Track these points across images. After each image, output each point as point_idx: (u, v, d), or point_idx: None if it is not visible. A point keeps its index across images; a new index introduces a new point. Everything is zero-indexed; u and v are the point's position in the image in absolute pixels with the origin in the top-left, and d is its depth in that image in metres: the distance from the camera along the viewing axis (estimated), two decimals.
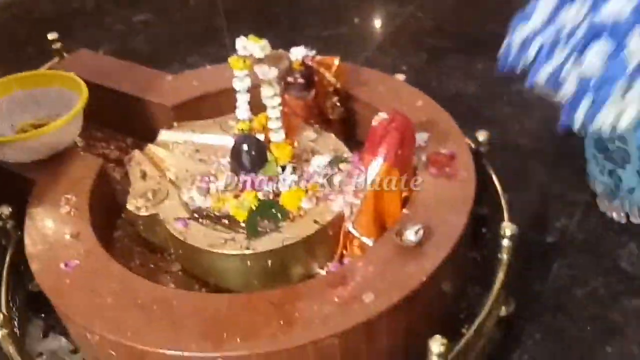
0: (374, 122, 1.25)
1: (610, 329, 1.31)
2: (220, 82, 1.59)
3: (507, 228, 1.24)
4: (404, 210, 1.24)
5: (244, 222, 1.28)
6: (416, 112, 1.44)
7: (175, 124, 1.56)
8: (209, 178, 1.38)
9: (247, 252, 1.23)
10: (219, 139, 1.50)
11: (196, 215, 1.32)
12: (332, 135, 1.48)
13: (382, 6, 2.60)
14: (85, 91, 1.44)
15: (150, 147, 1.49)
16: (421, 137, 1.37)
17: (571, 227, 1.54)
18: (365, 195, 1.24)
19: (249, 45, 1.26)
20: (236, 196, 1.32)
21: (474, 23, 2.31)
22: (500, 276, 1.23)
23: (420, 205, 1.25)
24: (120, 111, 1.64)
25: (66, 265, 1.19)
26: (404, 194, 1.27)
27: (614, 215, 1.55)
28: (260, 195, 1.31)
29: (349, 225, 1.28)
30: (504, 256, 1.25)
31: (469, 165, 1.32)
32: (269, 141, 1.37)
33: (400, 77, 1.62)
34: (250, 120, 1.38)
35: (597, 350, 1.28)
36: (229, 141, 1.45)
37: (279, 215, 1.29)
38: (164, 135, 1.53)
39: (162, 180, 1.41)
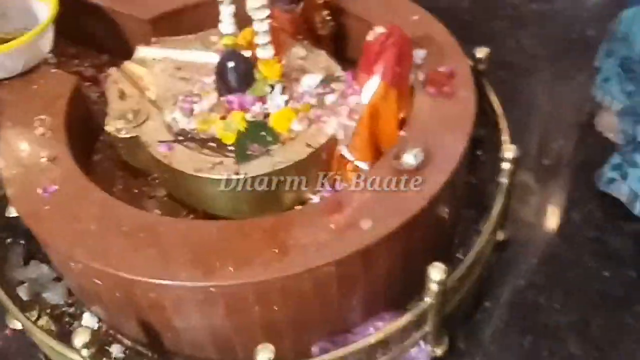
0: (369, 38, 1.17)
1: (607, 253, 1.29)
2: None
3: (508, 150, 1.19)
4: (401, 133, 1.18)
5: (232, 145, 1.21)
6: (412, 27, 1.35)
7: (153, 39, 1.45)
8: (192, 98, 1.30)
9: (236, 177, 1.16)
10: (201, 55, 1.40)
11: (181, 138, 1.24)
12: (323, 52, 1.39)
13: None
14: (55, 1, 1.33)
15: (128, 65, 1.40)
16: (418, 55, 1.29)
17: (568, 148, 1.49)
18: (361, 117, 1.18)
19: None
20: (222, 118, 1.24)
21: None
22: (500, 200, 1.19)
23: (418, 127, 1.18)
24: (94, 25, 1.53)
25: (44, 190, 1.11)
26: (401, 115, 1.20)
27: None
28: (248, 116, 1.23)
29: (342, 149, 1.22)
30: (504, 180, 1.21)
31: (468, 84, 1.25)
32: (256, 58, 1.28)
33: None
34: (236, 35, 1.28)
35: (593, 275, 1.27)
36: (212, 58, 1.36)
37: (269, 138, 1.22)
38: (141, 51, 1.43)
39: (142, 100, 1.32)
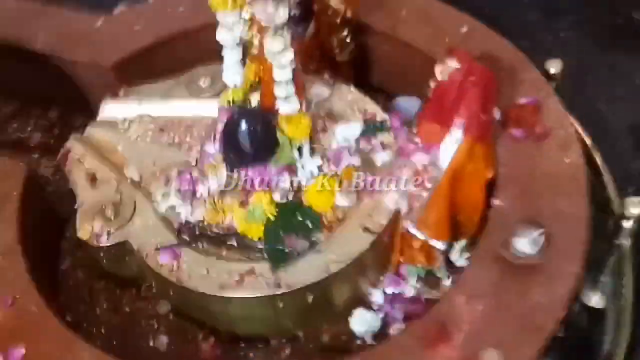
0: (439, 75, 0.84)
1: None
2: (174, 21, 1.13)
3: (633, 206, 0.88)
4: (495, 201, 0.86)
5: (260, 241, 0.87)
6: (463, 43, 1.03)
7: (122, 90, 1.08)
8: (191, 173, 0.95)
9: (278, 291, 0.83)
10: (191, 107, 1.05)
11: (186, 237, 0.89)
12: (351, 87, 1.05)
13: None
14: None
15: (92, 131, 1.03)
16: None
17: None
18: (439, 185, 0.85)
19: None
20: (241, 203, 0.89)
21: None
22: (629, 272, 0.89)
23: (515, 191, 0.87)
24: (37, 76, 1.15)
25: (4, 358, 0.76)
26: (489, 176, 0.88)
27: None
28: (276, 196, 0.89)
29: (408, 225, 0.90)
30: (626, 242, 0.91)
31: (561, 117, 0.94)
32: (275, 111, 0.93)
33: None
34: (245, 87, 0.94)
35: None
36: (208, 110, 1.02)
37: (309, 224, 0.88)
38: (107, 109, 1.06)
39: (122, 184, 0.97)
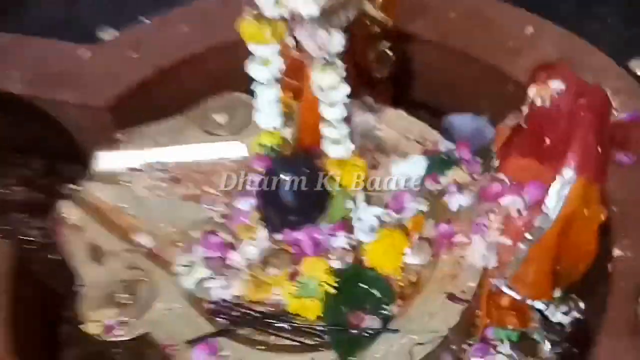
0: (540, 100, 0.66)
1: None
2: (177, 45, 0.94)
3: None
4: (617, 252, 0.68)
5: (319, 321, 0.69)
6: (532, 48, 0.85)
7: (119, 134, 0.89)
8: (220, 236, 0.76)
9: None
10: (206, 150, 0.86)
11: (223, 319, 0.71)
12: (402, 111, 0.87)
13: None
14: None
15: (89, 188, 0.84)
16: None
17: None
18: (545, 237, 0.67)
19: None
20: (290, 274, 0.71)
21: None
22: None
23: (632, 232, 0.69)
24: (16, 122, 0.96)
25: None
26: (602, 218, 0.70)
27: None
28: (334, 262, 0.71)
29: (499, 283, 0.72)
30: None
31: None
32: (319, 154, 0.75)
33: None
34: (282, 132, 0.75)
35: None
36: (227, 152, 0.83)
37: (377, 293, 0.70)
38: (105, 158, 0.87)
39: (134, 255, 0.77)
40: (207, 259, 0.74)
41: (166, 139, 0.87)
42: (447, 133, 0.88)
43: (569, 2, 1.23)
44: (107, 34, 1.02)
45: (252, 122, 0.84)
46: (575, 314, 0.75)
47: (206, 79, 0.93)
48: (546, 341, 0.74)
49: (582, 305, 0.76)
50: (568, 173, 0.64)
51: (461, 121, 0.93)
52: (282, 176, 0.70)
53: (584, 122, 0.62)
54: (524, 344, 0.75)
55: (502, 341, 0.74)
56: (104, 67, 0.92)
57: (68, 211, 0.81)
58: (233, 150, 0.84)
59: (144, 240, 0.78)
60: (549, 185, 0.66)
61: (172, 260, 0.76)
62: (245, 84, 0.74)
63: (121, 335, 0.71)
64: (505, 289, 0.72)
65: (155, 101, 0.91)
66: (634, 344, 0.64)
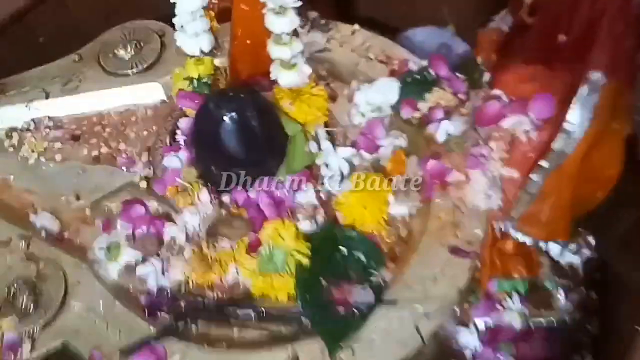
0: None
1: None
2: None
3: None
4: None
5: (293, 303, 0.53)
6: None
7: None
8: (144, 206, 0.58)
9: None
10: (114, 95, 0.67)
11: (165, 314, 0.54)
12: (355, 25, 0.70)
13: None
14: None
15: None
16: None
17: None
18: (567, 162, 0.53)
19: None
20: (248, 245, 0.54)
21: None
22: None
23: None
24: None
25: None
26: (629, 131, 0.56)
27: None
28: (303, 224, 0.55)
29: (505, 225, 0.58)
30: None
31: None
32: (265, 87, 0.58)
33: None
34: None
35: None
36: (142, 95, 0.65)
37: (361, 256, 0.55)
38: None
39: (34, 243, 0.58)
40: (134, 238, 0.56)
41: (56, 85, 0.67)
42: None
43: None
44: None
45: (166, 55, 0.66)
46: (587, 252, 0.63)
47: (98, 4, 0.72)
48: (559, 288, 0.62)
49: (592, 241, 0.63)
50: (596, 76, 0.49)
51: (422, 36, 0.78)
52: (223, 117, 0.52)
53: (612, 7, 0.48)
54: (534, 295, 0.62)
55: (509, 295, 0.61)
56: None
57: None
58: (147, 92, 0.66)
59: (44, 221, 0.59)
60: (564, 97, 0.52)
61: (86, 243, 0.58)
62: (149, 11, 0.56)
63: (28, 354, 0.52)
64: (513, 232, 0.58)
65: (36, 36, 0.69)
66: None
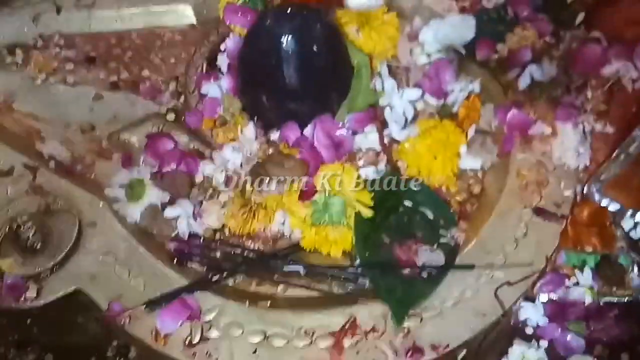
0: None
1: None
2: None
3: None
4: None
5: (350, 261, 0.45)
6: None
7: None
8: (172, 140, 0.50)
9: None
10: (134, 16, 0.58)
11: (197, 263, 0.45)
12: None
13: None
14: None
15: None
16: None
17: None
18: None
19: None
20: (299, 192, 0.46)
21: None
22: None
23: None
24: None
25: None
26: None
27: None
28: (366, 170, 0.47)
29: (592, 188, 0.51)
30: None
31: None
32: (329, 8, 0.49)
33: None
34: None
35: None
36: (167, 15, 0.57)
37: (429, 213, 0.47)
38: None
39: (41, 173, 0.50)
40: (160, 176, 0.48)
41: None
42: None
43: None
44: None
45: None
46: None
47: None
48: (635, 266, 0.55)
49: None
50: None
51: None
52: (281, 37, 0.44)
53: None
54: (606, 270, 0.55)
55: (580, 269, 0.53)
56: None
57: None
58: (175, 13, 0.57)
59: (53, 150, 0.51)
60: None
61: (102, 179, 0.49)
62: None
63: (34, 300, 0.44)
64: (597, 196, 0.51)
65: None
66: None
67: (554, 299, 0.53)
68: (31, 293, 0.44)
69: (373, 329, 0.43)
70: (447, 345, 0.42)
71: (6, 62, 0.57)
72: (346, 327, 0.43)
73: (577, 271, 0.54)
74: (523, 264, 0.45)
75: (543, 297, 0.53)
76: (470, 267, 0.45)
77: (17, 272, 0.45)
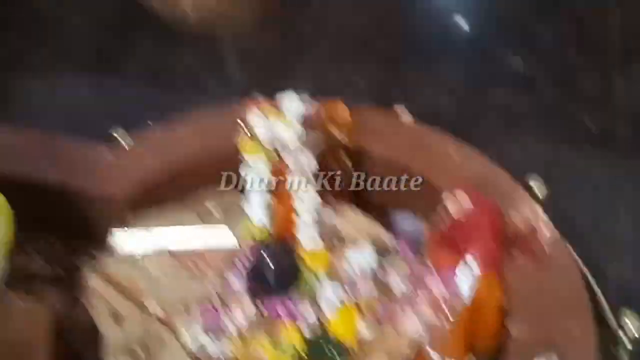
0: (453, 211, 0.92)
1: None
2: (180, 148, 1.18)
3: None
4: (514, 329, 0.93)
5: None
6: (455, 168, 1.12)
7: (130, 217, 1.12)
8: (214, 307, 0.98)
9: None
10: (202, 234, 1.09)
11: None
12: (358, 212, 1.12)
13: None
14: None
15: (107, 264, 1.06)
16: None
17: None
18: (459, 316, 0.92)
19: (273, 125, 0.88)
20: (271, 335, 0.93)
21: None
22: None
23: (525, 315, 0.94)
24: (41, 208, 1.17)
25: None
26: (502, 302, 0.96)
27: None
28: (305, 329, 0.94)
29: (429, 352, 0.96)
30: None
31: (554, 238, 1.03)
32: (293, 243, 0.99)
33: (402, 110, 1.28)
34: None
35: None
36: (220, 238, 1.06)
37: (336, 356, 0.93)
38: (119, 239, 1.09)
39: (146, 319, 0.99)
40: (207, 325, 0.96)
41: (168, 223, 1.10)
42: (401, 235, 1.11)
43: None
44: (119, 133, 1.23)
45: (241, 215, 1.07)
46: None
47: (198, 177, 1.15)
48: None
49: None
50: (473, 265, 0.90)
51: (406, 222, 1.17)
52: (266, 259, 0.94)
53: (482, 229, 0.89)
54: None
55: None
56: (121, 165, 1.15)
57: (93, 286, 1.02)
58: (224, 236, 1.07)
59: (152, 304, 1.00)
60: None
61: (178, 323, 0.97)
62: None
63: None
64: (433, 355, 0.95)
65: (160, 194, 1.14)
66: None
67: None
68: None
69: None
70: None
71: (138, 263, 1.08)
72: None
73: None
74: None
75: None
76: None
77: None
